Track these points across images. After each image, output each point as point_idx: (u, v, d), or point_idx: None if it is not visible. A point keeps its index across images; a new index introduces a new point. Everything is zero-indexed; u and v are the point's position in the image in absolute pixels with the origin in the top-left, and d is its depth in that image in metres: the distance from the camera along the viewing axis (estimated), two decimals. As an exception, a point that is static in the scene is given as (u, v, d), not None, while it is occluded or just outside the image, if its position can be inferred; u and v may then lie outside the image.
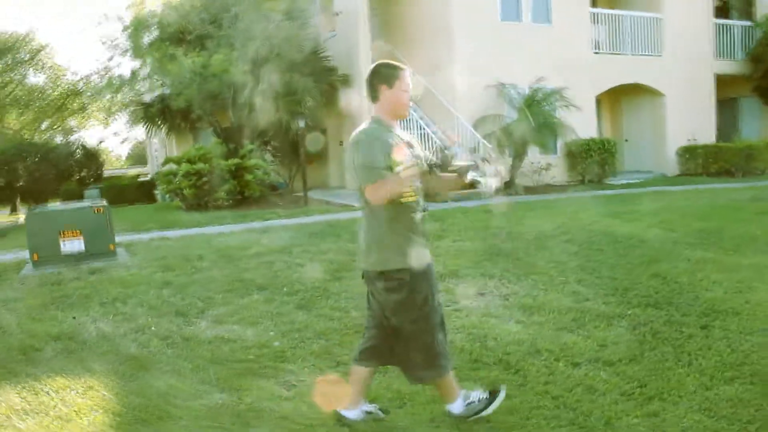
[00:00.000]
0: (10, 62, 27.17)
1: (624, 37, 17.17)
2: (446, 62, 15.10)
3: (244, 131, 15.20)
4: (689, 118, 17.70)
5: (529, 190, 14.39)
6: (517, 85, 14.82)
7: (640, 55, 17.37)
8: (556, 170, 15.64)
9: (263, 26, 14.19)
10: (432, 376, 3.18)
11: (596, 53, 16.70)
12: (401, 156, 2.94)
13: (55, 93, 30.77)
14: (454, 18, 14.92)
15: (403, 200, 2.98)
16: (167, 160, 14.75)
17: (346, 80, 16.18)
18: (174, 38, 15.14)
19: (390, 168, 2.88)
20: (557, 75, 15.21)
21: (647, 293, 5.58)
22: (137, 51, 15.08)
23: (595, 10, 16.83)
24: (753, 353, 4.11)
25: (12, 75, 27.94)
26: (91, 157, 23.85)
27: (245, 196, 14.12)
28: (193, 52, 14.01)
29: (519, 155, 14.38)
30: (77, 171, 22.70)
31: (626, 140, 18.79)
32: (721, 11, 19.85)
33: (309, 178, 18.37)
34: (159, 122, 17.31)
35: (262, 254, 7.98)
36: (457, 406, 3.28)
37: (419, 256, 3.03)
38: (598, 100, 18.54)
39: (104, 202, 9.07)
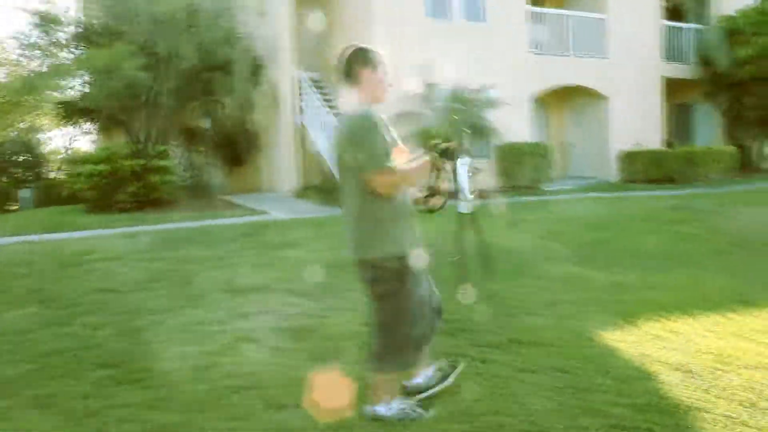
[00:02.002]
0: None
1: (565, 38, 16.49)
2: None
3: (162, 131, 14.46)
4: (635, 122, 17.03)
5: (452, 195, 13.66)
6: (443, 85, 14.11)
7: (583, 56, 16.71)
8: (486, 175, 14.91)
9: (183, 23, 13.52)
10: (387, 369, 3.09)
11: (535, 54, 16.01)
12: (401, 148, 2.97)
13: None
14: (375, 14, 14.24)
15: None
16: (69, 161, 13.99)
17: (273, 80, 15.50)
18: (88, 35, 14.45)
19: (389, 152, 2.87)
20: (491, 75, 14.55)
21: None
22: (47, 48, 14.32)
23: (534, 8, 16.13)
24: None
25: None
26: (33, 157, 23.08)
27: (152, 198, 13.35)
28: (104, 49, 13.28)
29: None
30: (13, 171, 21.89)
31: (572, 145, 18.13)
32: (674, 14, 19.20)
33: (242, 181, 17.74)
34: (82, 121, 16.54)
35: (94, 261, 7.28)
36: (388, 407, 3.11)
37: (406, 245, 2.98)
38: (544, 103, 17.91)
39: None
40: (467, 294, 4.72)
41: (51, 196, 18.64)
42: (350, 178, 2.96)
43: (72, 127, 18.15)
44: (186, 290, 5.94)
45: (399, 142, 3.05)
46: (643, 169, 15.84)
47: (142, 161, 13.14)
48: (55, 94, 15.62)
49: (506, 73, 14.90)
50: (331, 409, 3.20)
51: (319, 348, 4.33)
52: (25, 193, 20.08)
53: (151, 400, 3.56)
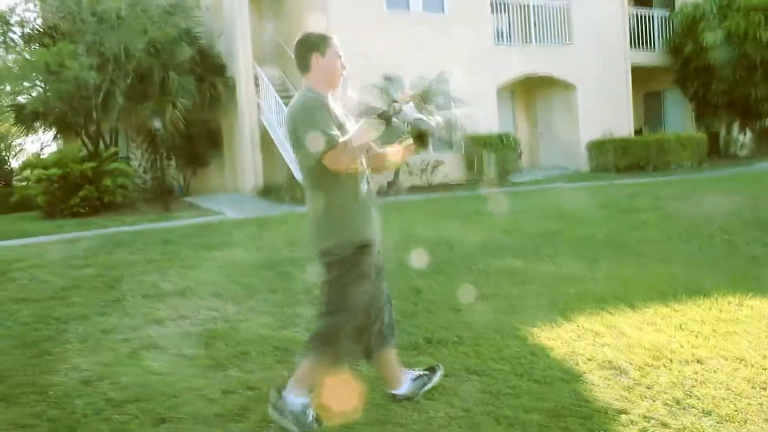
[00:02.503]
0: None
1: (529, 27, 16.21)
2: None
3: (115, 133, 14.03)
4: (604, 111, 16.75)
5: (415, 189, 13.39)
6: (403, 78, 13.76)
7: (548, 45, 16.45)
8: (452, 168, 14.63)
9: (133, 21, 13.10)
10: (322, 354, 2.90)
11: (497, 44, 15.73)
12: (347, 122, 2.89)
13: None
14: (332, 7, 13.88)
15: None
16: (24, 166, 13.54)
17: (231, 78, 15.12)
18: (36, 36, 14.00)
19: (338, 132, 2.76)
20: (453, 67, 14.25)
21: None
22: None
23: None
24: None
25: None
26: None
27: (106, 202, 12.92)
28: (52, 49, 12.83)
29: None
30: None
31: (541, 134, 17.88)
32: (640, 0, 19.03)
33: (206, 182, 17.34)
34: (36, 126, 16.04)
35: (19, 270, 6.85)
36: (296, 399, 2.87)
37: (364, 232, 2.89)
38: (513, 94, 17.67)
39: None
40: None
41: (10, 203, 18.13)
42: (306, 165, 2.87)
43: (32, 132, 17.55)
44: (105, 297, 5.57)
45: (351, 126, 2.93)
46: (613, 158, 15.61)
47: (93, 164, 12.71)
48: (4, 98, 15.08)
49: (469, 65, 14.57)
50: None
51: (222, 355, 3.99)
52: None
53: (19, 418, 3.21)
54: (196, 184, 17.14)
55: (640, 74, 17.98)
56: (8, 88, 14.46)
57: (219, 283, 5.75)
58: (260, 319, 4.70)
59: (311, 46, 2.94)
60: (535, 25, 16.23)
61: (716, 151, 17.73)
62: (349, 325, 2.89)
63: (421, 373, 3.22)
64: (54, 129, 15.73)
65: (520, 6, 16.19)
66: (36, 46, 14.35)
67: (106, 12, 12.56)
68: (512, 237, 7.21)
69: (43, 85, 13.05)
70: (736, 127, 18.63)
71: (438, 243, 6.94)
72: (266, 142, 14.88)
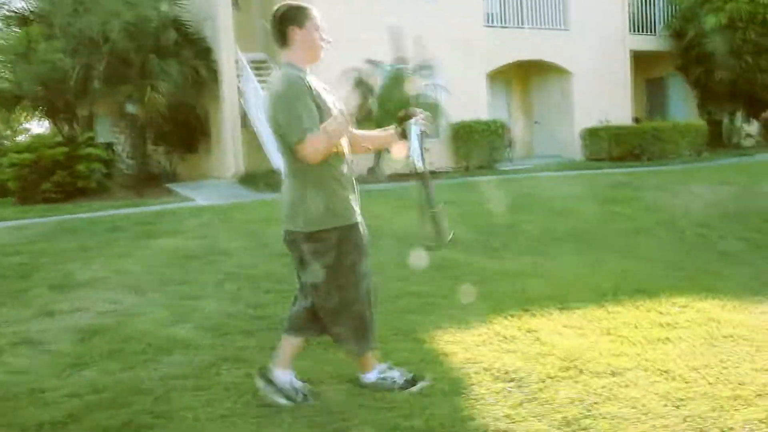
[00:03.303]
0: None
1: (522, 10, 15.60)
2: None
3: (90, 118, 13.71)
4: (602, 98, 16.10)
5: (396, 177, 12.91)
6: (385, 63, 13.27)
7: (543, 28, 15.84)
8: (437, 155, 14.11)
9: (113, 4, 12.72)
10: (364, 350, 2.97)
11: (488, 27, 15.16)
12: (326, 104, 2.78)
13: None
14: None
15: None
16: (4, 151, 13.29)
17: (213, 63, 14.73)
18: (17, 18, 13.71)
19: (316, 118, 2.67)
20: (441, 50, 13.75)
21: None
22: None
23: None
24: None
25: None
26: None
27: (80, 187, 12.62)
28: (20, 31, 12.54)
29: (386, 140, 12.89)
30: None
31: (536, 122, 17.31)
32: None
33: (194, 168, 16.99)
34: (18, 109, 15.74)
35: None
36: (371, 376, 3.02)
37: (347, 215, 2.83)
38: (506, 80, 17.11)
39: None
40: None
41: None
42: (284, 147, 2.79)
43: (15, 116, 17.31)
44: (13, 286, 5.26)
45: (337, 105, 2.84)
46: (607, 147, 15.01)
47: (65, 149, 12.40)
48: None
49: (458, 48, 14.06)
50: None
51: (93, 352, 3.68)
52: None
53: None
54: (185, 171, 16.78)
55: (641, 60, 17.33)
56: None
57: (136, 274, 5.42)
58: (156, 313, 4.35)
59: (288, 18, 2.81)
60: (528, 7, 15.62)
61: (719, 140, 17.02)
62: (364, 311, 2.89)
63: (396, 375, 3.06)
64: (36, 113, 15.45)
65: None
66: (16, 29, 14.06)
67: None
68: (467, 228, 6.73)
69: (15, 69, 12.71)
70: (740, 116, 17.89)
71: (383, 234, 6.51)
72: (250, 129, 14.51)
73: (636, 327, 3.85)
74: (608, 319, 4.01)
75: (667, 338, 3.65)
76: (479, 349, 3.49)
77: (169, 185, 14.90)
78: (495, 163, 14.44)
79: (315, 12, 2.83)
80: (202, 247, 6.23)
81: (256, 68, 14.91)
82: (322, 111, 2.72)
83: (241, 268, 5.38)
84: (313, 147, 2.64)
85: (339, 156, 2.84)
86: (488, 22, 15.23)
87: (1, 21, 13.62)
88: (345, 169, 2.87)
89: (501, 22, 15.43)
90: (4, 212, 11.14)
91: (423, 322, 3.90)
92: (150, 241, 6.84)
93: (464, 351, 3.47)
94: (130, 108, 12.34)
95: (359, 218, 2.90)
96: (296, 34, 2.80)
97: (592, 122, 15.64)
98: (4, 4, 13.41)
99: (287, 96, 2.73)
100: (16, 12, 13.46)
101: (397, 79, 12.80)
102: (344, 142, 2.87)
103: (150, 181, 14.97)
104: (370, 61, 13.35)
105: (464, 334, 3.72)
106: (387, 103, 12.27)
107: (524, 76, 17.18)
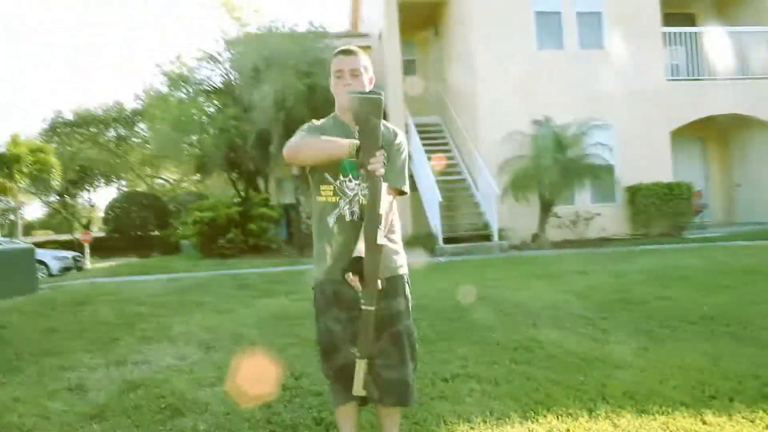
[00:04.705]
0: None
1: (713, 59, 13.95)
2: (469, 97, 13.48)
3: (265, 179, 14.78)
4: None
5: (563, 244, 12.02)
6: (553, 120, 12.60)
7: (740, 78, 14.00)
8: (610, 221, 12.93)
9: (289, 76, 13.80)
10: (334, 403, 2.73)
11: (672, 80, 13.76)
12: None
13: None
14: (477, 53, 13.28)
15: (319, 198, 2.57)
16: (190, 210, 14.77)
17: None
18: (213, 92, 15.41)
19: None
20: (617, 107, 12.82)
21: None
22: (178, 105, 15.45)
23: (669, 29, 13.87)
24: None
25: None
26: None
27: (252, 245, 13.53)
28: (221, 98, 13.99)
29: (546, 204, 12.11)
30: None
31: (738, 185, 15.16)
32: None
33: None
34: (209, 170, 17.50)
35: (89, 303, 7.27)
36: None
37: (323, 269, 2.58)
38: (700, 137, 15.36)
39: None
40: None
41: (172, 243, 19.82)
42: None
43: (206, 177, 19.27)
44: (111, 335, 5.57)
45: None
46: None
47: (239, 209, 13.42)
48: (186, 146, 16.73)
49: (636, 104, 12.98)
50: None
51: (121, 405, 3.73)
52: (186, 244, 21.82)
53: None
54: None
55: None
56: (194, 137, 16.08)
57: (220, 331, 5.45)
58: (202, 372, 4.28)
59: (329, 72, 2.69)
60: (724, 56, 13.93)
61: None
62: (325, 368, 2.64)
63: None
64: (216, 173, 17.07)
65: (699, 35, 14.04)
66: (215, 102, 15.80)
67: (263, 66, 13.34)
68: (584, 302, 5.88)
69: (206, 135, 14.17)
70: None
71: (490, 304, 5.91)
72: (416, 192, 14.56)
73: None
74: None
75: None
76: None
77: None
78: (681, 230, 12.82)
79: (338, 58, 2.61)
80: (299, 309, 6.12)
81: (428, 131, 15.10)
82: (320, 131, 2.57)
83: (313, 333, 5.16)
84: (289, 143, 2.48)
85: (328, 205, 2.56)
86: (672, 74, 13.84)
87: (200, 94, 15.33)
88: (331, 220, 2.55)
89: (689, 74, 13.94)
90: (179, 265, 12.29)
91: (447, 412, 3.31)
92: (261, 300, 6.93)
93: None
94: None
95: (334, 275, 2.52)
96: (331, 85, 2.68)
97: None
98: (203, 80, 15.15)
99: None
100: (213, 87, 15.10)
101: (563, 137, 12.08)
102: (332, 191, 2.55)
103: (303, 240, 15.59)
104: (536, 122, 12.80)
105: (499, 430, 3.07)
106: (552, 166, 11.60)
107: (721, 133, 15.26)
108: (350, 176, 2.52)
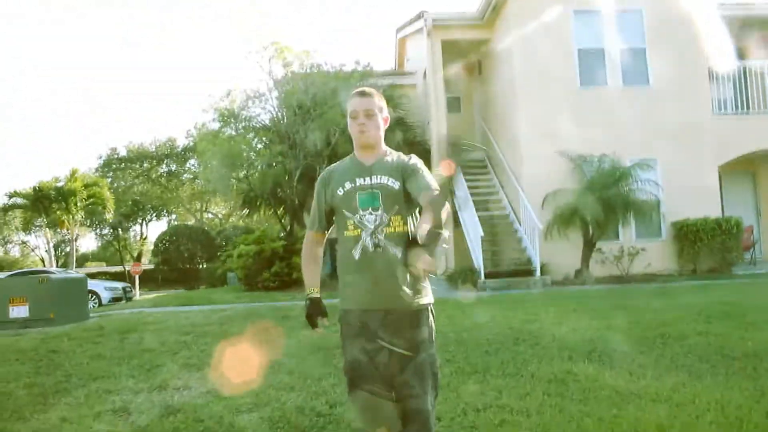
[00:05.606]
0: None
1: (761, 92, 13.72)
2: (512, 133, 13.56)
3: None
4: None
5: (606, 279, 11.83)
6: (596, 156, 12.54)
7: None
8: (655, 257, 12.68)
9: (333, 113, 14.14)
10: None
11: (719, 115, 13.56)
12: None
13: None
14: (519, 86, 13.40)
15: (344, 233, 2.65)
16: (236, 243, 15.11)
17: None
18: (261, 126, 15.88)
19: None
20: (663, 143, 12.71)
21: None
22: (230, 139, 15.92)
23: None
24: None
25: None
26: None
27: (294, 278, 13.72)
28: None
29: (590, 240, 11.98)
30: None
31: (793, 222, 14.74)
32: None
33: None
34: (256, 204, 17.92)
35: (130, 331, 7.52)
36: None
37: (346, 300, 2.64)
38: (752, 173, 15.04)
39: (51, 275, 9.51)
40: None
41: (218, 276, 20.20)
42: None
43: (255, 212, 19.68)
44: (155, 361, 5.76)
45: (356, 190, 2.63)
46: None
47: (284, 242, 13.68)
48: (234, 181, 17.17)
49: (683, 139, 12.84)
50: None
51: (160, 428, 3.98)
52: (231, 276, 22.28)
53: None
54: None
55: None
56: (242, 173, 16.53)
57: (248, 361, 5.56)
58: (240, 399, 4.41)
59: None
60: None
61: None
62: (348, 388, 2.64)
63: None
64: (263, 208, 17.44)
65: (746, 69, 13.83)
66: (263, 138, 16.24)
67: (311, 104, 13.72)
68: (622, 336, 5.80)
69: (254, 171, 14.59)
70: None
71: (527, 338, 5.89)
72: (460, 228, 14.56)
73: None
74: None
75: None
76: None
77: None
78: (730, 266, 12.48)
79: (354, 98, 2.72)
80: (338, 340, 6.21)
81: (472, 167, 15.19)
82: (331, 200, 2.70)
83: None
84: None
85: (348, 238, 2.63)
86: (719, 109, 13.64)
87: (249, 131, 15.79)
88: (356, 253, 2.59)
89: (736, 108, 13.72)
90: (225, 296, 12.56)
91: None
92: (301, 331, 7.03)
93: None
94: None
95: (359, 305, 2.59)
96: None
97: None
98: (251, 117, 15.62)
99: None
100: (261, 124, 15.54)
101: (606, 173, 12.01)
102: (357, 223, 2.61)
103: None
104: (580, 157, 12.75)
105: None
106: (588, 196, 11.52)
107: (773, 168, 14.92)
108: (370, 209, 2.61)
